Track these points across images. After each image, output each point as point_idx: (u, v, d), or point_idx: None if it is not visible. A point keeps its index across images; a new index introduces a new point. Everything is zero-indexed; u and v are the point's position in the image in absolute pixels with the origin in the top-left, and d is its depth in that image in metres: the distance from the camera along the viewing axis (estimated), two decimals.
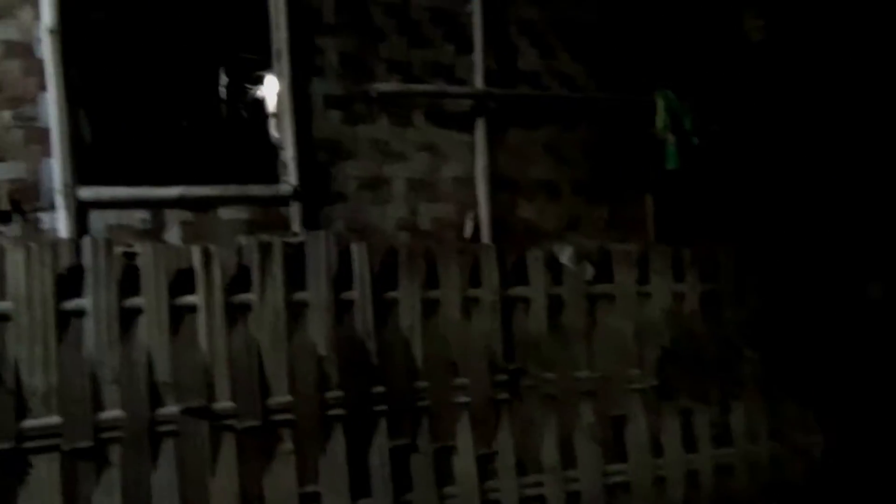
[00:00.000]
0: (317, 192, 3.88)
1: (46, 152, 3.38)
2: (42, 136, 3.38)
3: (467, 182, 4.23)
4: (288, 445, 3.50)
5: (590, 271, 4.21)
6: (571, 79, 4.54)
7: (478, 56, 4.25)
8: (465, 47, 4.24)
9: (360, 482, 3.56)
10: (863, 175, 5.22)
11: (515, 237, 4.27)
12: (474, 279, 3.93)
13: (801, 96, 5.11)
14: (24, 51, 3.38)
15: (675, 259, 4.39)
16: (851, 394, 4.64)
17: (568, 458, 3.98)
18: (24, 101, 3.37)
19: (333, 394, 3.59)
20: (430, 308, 3.83)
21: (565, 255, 4.17)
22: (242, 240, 3.55)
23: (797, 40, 5.20)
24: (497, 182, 4.28)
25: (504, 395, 3.91)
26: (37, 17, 3.38)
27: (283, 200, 3.80)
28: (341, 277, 3.66)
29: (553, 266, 4.12)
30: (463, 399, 3.83)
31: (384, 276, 3.76)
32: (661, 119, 4.59)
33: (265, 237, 3.56)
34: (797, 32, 5.23)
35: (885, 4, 5.24)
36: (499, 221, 4.27)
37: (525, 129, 4.39)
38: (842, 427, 4.59)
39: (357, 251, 3.69)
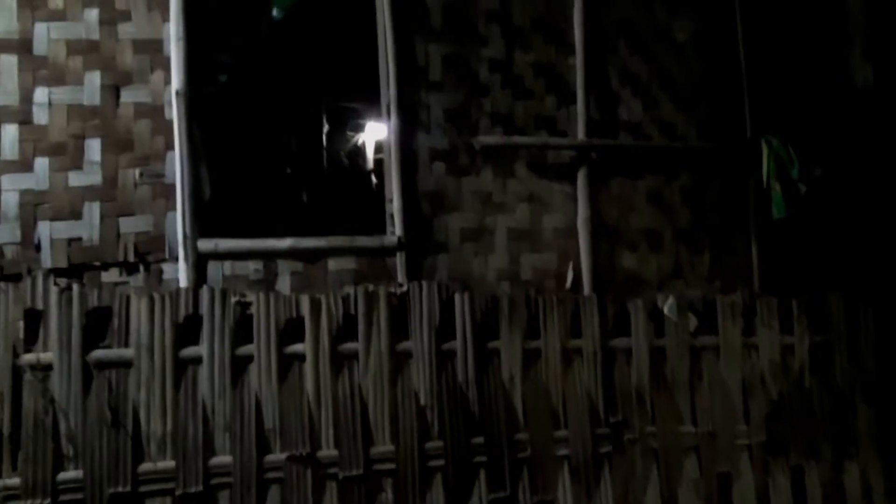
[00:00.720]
0: (421, 242, 3.80)
1: (171, 206, 3.43)
2: (167, 191, 3.43)
3: (569, 232, 4.05)
4: (388, 495, 3.38)
5: (693, 322, 3.92)
6: (673, 127, 4.33)
7: (579, 107, 4.11)
8: (567, 99, 4.13)
9: None
10: None
11: (617, 287, 4.06)
12: (576, 329, 3.73)
13: None
14: (154, 112, 3.46)
15: (783, 309, 4.07)
16: None
17: None
18: (152, 159, 3.44)
19: (434, 444, 3.47)
20: (531, 358, 3.68)
21: (668, 306, 3.89)
22: (349, 290, 3.44)
23: None
24: (598, 231, 4.09)
25: (606, 449, 3.70)
26: (167, 80, 3.46)
27: (389, 251, 3.72)
28: (444, 327, 3.54)
29: (656, 316, 3.86)
30: (563, 452, 3.64)
31: (486, 326, 3.63)
32: (766, 166, 4.27)
33: (371, 287, 3.44)
34: None
35: None
36: (600, 271, 4.05)
37: (627, 179, 4.19)
38: None
39: (459, 302, 3.56)
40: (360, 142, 5.44)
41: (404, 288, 3.54)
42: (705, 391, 3.85)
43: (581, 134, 4.08)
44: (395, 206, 3.73)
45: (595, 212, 4.07)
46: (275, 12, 3.69)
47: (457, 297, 3.55)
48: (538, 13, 4.06)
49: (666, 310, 3.89)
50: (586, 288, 4.00)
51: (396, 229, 3.72)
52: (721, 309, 3.96)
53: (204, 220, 3.45)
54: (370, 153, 5.65)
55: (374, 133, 5.39)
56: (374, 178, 4.12)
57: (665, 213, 4.25)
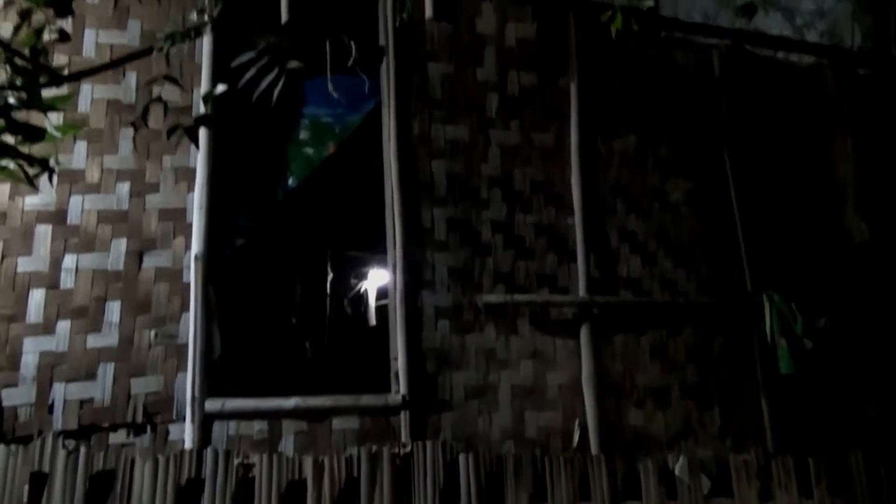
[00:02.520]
0: (425, 401, 3.76)
1: (181, 367, 3.48)
2: (179, 351, 3.49)
3: (574, 388, 4.00)
4: None
5: (706, 484, 3.73)
6: (673, 283, 4.37)
7: (580, 265, 4.18)
8: (568, 257, 4.21)
9: None
10: None
11: (625, 446, 3.92)
12: (583, 490, 3.56)
13: None
14: (173, 275, 3.59)
15: (800, 469, 3.84)
16: None
17: None
18: (168, 320, 3.52)
19: None
20: None
21: (679, 467, 3.73)
22: (352, 450, 3.39)
23: None
24: (604, 388, 4.02)
25: None
26: (188, 245, 3.61)
27: (393, 410, 3.69)
28: (448, 488, 3.40)
29: (666, 477, 3.68)
30: None
31: (491, 487, 3.47)
32: (769, 322, 4.25)
33: (374, 448, 3.39)
34: None
35: None
36: (607, 429, 3.95)
37: (630, 334, 4.19)
38: None
39: (464, 463, 3.45)
40: (362, 289, 5.55)
41: (408, 448, 3.49)
42: None
43: (582, 291, 4.12)
44: (399, 364, 3.74)
45: (599, 368, 4.03)
46: (291, 181, 3.95)
47: (461, 457, 3.45)
48: (538, 177, 4.24)
49: (677, 471, 3.74)
50: (593, 447, 3.88)
51: (401, 387, 3.70)
52: (735, 469, 3.80)
53: (212, 380, 3.47)
54: (372, 300, 5.74)
55: (377, 280, 5.50)
56: (375, 328, 4.15)
57: (671, 368, 4.19)
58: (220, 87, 2.20)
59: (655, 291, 4.31)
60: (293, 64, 2.29)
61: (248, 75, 2.31)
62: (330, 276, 5.19)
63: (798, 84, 5.10)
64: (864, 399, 4.42)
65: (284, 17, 3.93)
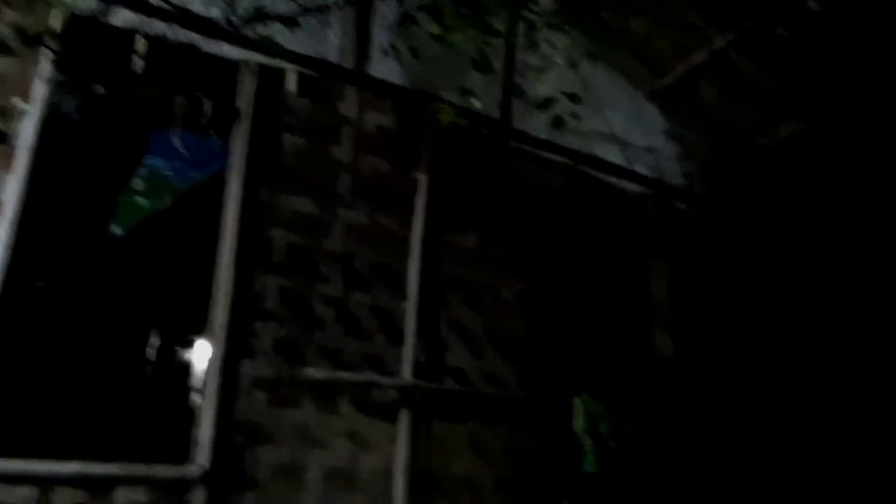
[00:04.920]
0: (228, 476, 3.47)
1: None
2: None
3: (387, 474, 3.87)
4: None
5: None
6: (497, 377, 4.46)
7: (407, 349, 4.16)
8: (397, 339, 4.16)
9: None
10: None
11: None
12: None
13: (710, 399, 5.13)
14: None
15: None
16: None
17: None
18: None
19: None
20: None
21: None
22: None
23: (701, 353, 5.37)
24: (418, 476, 3.94)
25: None
26: None
27: (190, 484, 3.36)
28: None
29: None
30: None
31: None
32: (579, 421, 4.44)
33: None
34: (701, 347, 5.40)
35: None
36: None
37: (450, 423, 4.19)
38: None
39: None
40: (185, 359, 5.15)
41: None
42: None
43: (408, 374, 4.08)
44: (203, 433, 3.44)
45: (415, 455, 3.94)
46: (118, 229, 3.70)
47: None
48: (378, 259, 4.23)
49: None
50: None
51: (203, 458, 3.41)
52: None
53: None
54: (197, 368, 5.32)
55: (205, 353, 5.15)
56: (193, 403, 3.81)
57: (486, 460, 4.19)
58: (22, 105, 2.06)
59: (479, 383, 4.36)
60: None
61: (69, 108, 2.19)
62: (150, 339, 4.77)
63: (625, 209, 5.62)
64: (660, 500, 4.66)
65: (139, 65, 3.83)
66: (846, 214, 5.88)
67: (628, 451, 4.58)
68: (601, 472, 4.37)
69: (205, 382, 3.63)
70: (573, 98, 4.38)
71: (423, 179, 4.54)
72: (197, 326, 3.79)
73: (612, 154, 5.70)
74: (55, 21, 3.55)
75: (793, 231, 6.04)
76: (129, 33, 3.79)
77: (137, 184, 3.78)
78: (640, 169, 5.79)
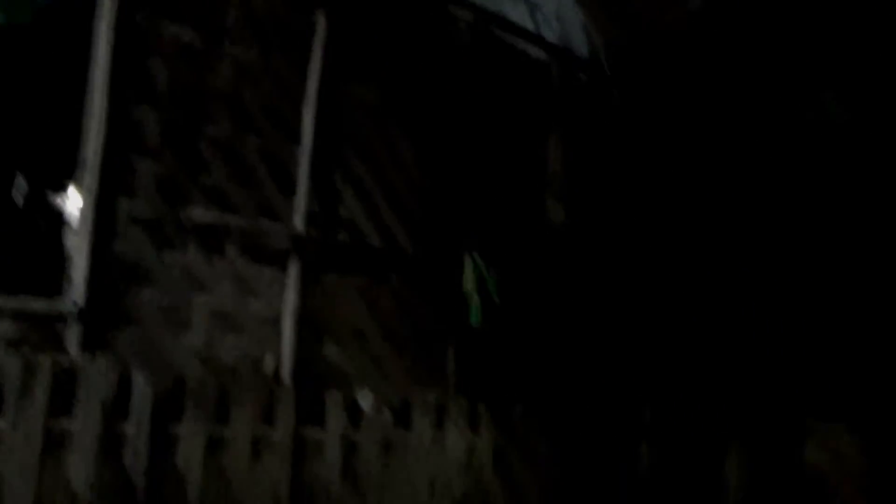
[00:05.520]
0: (105, 314, 3.37)
1: None
2: None
3: (275, 320, 3.89)
4: None
5: (388, 416, 3.92)
6: (391, 233, 4.48)
7: (300, 199, 4.07)
8: (290, 188, 4.06)
9: None
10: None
11: (319, 379, 3.93)
12: (269, 419, 3.50)
13: (593, 270, 5.41)
14: None
15: (472, 412, 4.22)
16: None
17: None
18: None
19: None
20: (216, 447, 3.33)
21: (366, 401, 3.86)
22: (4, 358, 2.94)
23: (590, 225, 5.61)
24: (306, 323, 4.00)
25: None
26: None
27: (63, 318, 3.25)
28: (119, 407, 3.10)
29: (353, 411, 3.80)
30: None
31: (169, 409, 3.24)
32: (468, 279, 4.60)
33: (31, 356, 2.97)
34: (591, 219, 5.63)
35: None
36: (304, 362, 3.95)
37: (340, 275, 4.21)
38: None
39: (137, 378, 3.17)
40: (62, 203, 4.84)
41: (76, 360, 3.12)
42: (394, 486, 3.83)
43: (299, 224, 4.04)
44: (79, 270, 3.30)
45: (304, 303, 3.99)
46: None
47: (135, 374, 3.19)
48: (271, 101, 4.02)
49: (364, 404, 3.88)
50: (286, 378, 3.84)
51: (77, 295, 3.30)
52: (415, 407, 4.07)
53: None
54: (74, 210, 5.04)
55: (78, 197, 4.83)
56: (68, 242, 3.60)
57: (374, 311, 4.29)
58: None
59: (372, 236, 4.39)
60: None
61: None
62: (24, 188, 4.40)
63: (530, 75, 5.58)
64: (535, 357, 5.00)
65: None
66: (746, 100, 5.99)
67: (512, 309, 4.83)
68: (485, 326, 4.60)
69: (79, 220, 3.43)
70: None
71: (322, 22, 4.27)
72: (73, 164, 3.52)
73: (520, 17, 5.58)
74: None
75: (692, 115, 6.19)
76: None
77: None
78: (548, 35, 5.71)
